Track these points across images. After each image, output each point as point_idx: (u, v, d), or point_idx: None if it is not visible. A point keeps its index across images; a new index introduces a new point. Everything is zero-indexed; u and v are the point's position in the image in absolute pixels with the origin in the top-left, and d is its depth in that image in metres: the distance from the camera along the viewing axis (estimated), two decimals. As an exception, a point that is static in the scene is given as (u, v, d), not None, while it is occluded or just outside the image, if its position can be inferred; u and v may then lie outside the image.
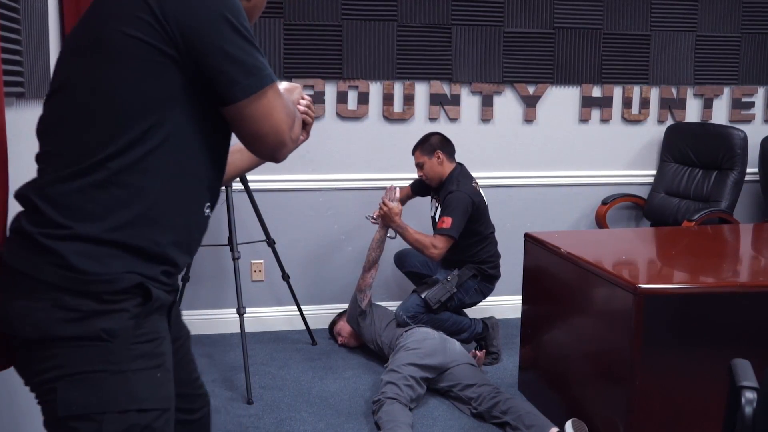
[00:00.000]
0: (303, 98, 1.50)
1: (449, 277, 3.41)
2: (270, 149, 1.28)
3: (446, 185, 3.44)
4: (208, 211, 1.34)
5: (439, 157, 3.43)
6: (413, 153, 3.49)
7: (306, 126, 1.51)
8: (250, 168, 1.63)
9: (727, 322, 2.40)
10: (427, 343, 3.06)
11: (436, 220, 3.45)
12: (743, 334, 2.40)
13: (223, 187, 3.24)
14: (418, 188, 3.68)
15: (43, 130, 1.25)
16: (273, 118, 1.24)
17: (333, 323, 3.75)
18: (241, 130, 1.25)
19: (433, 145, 3.44)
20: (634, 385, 2.34)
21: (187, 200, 1.28)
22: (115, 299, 1.17)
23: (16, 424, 1.82)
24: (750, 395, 1.44)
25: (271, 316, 3.90)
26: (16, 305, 1.17)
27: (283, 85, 1.45)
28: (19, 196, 1.22)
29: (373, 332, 3.37)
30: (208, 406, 1.55)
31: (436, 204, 3.54)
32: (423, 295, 3.34)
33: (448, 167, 3.46)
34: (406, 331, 3.20)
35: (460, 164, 3.52)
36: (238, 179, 3.35)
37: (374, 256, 3.41)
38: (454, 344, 3.14)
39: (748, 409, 1.43)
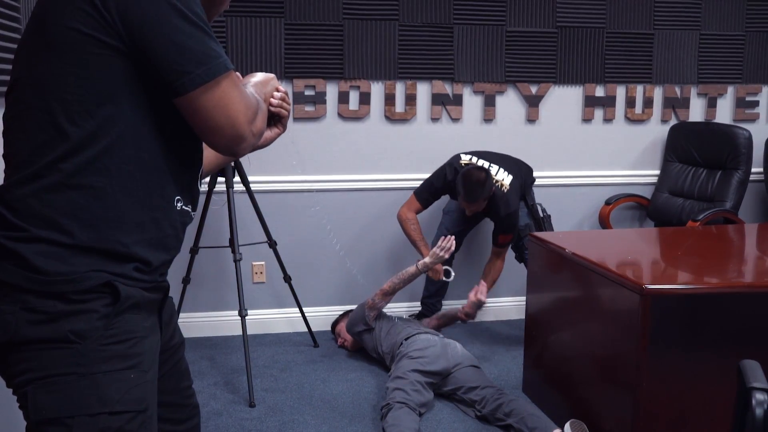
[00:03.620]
0: (278, 90, 1.43)
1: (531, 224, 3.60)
2: (227, 142, 1.19)
3: (490, 206, 3.45)
4: (180, 205, 1.26)
5: (492, 191, 3.40)
6: (473, 202, 3.34)
7: (282, 119, 1.45)
8: (221, 165, 1.56)
9: (734, 322, 2.38)
10: (429, 350, 3.03)
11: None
12: (751, 334, 2.38)
13: (225, 188, 3.24)
14: (432, 200, 3.60)
15: (3, 129, 1.20)
16: (228, 109, 1.16)
17: (336, 322, 3.73)
18: (195, 122, 1.17)
19: (491, 184, 3.36)
20: (641, 386, 2.31)
21: (152, 196, 1.20)
22: (82, 299, 1.13)
23: (15, 423, 1.80)
24: (761, 396, 1.41)
25: (273, 318, 3.87)
26: None
27: (257, 77, 1.40)
28: None
29: (374, 342, 3.35)
30: (197, 418, 1.50)
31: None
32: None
33: None
34: (406, 340, 3.16)
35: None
36: (239, 180, 3.33)
37: (400, 287, 3.35)
38: (455, 347, 3.12)
39: (759, 411, 1.40)
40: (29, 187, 1.13)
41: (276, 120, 1.44)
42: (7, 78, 1.67)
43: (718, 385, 2.29)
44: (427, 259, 3.32)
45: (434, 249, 3.28)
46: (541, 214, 3.57)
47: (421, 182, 3.61)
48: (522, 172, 3.59)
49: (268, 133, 1.43)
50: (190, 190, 1.30)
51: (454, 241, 3.28)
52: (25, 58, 1.17)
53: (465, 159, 3.50)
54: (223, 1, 1.34)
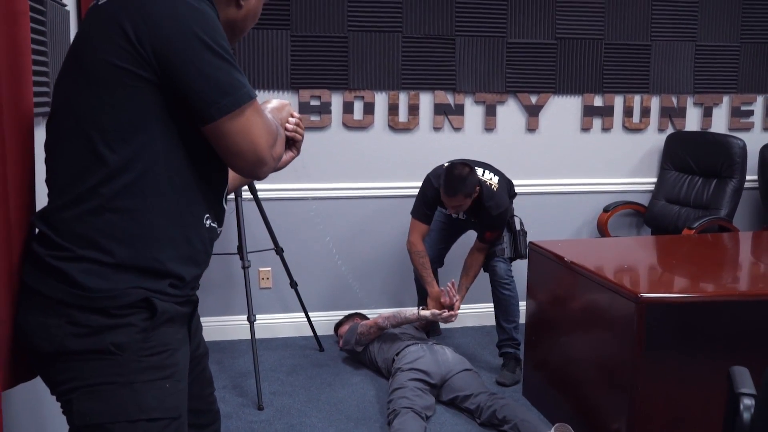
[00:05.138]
0: (292, 116, 1.52)
1: (505, 235, 3.46)
2: (250, 167, 1.29)
3: (477, 206, 3.33)
4: (209, 222, 1.36)
5: (476, 190, 3.24)
6: (453, 195, 3.18)
7: (296, 143, 1.54)
8: (242, 185, 1.69)
9: (727, 329, 2.45)
10: (419, 362, 3.10)
11: (470, 228, 3.53)
12: (743, 341, 2.45)
13: (233, 197, 3.32)
14: (430, 213, 3.46)
15: (46, 156, 1.29)
16: (252, 135, 1.25)
17: (339, 324, 3.81)
18: (220, 147, 1.26)
19: (474, 182, 3.21)
20: (636, 391, 2.39)
21: (183, 215, 1.30)
22: (122, 314, 1.22)
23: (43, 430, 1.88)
24: (748, 401, 1.49)
25: (279, 322, 3.96)
26: (33, 321, 1.24)
27: (273, 104, 1.49)
28: (30, 223, 1.29)
29: (368, 357, 3.45)
30: (218, 423, 1.60)
31: (464, 215, 3.47)
32: (507, 256, 3.43)
33: None
34: (396, 355, 3.23)
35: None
36: (247, 188, 3.41)
37: (393, 327, 3.40)
38: (445, 353, 3.18)
39: (746, 416, 1.48)
40: (72, 210, 1.22)
41: (290, 144, 1.53)
42: (48, 108, 1.77)
43: (712, 389, 2.35)
44: (427, 313, 3.33)
45: (438, 313, 3.30)
46: (518, 228, 3.48)
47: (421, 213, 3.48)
48: (506, 180, 3.48)
49: (284, 156, 1.52)
50: (217, 209, 1.40)
51: (456, 310, 3.33)
52: (65, 89, 1.26)
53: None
54: (242, 32, 1.44)
